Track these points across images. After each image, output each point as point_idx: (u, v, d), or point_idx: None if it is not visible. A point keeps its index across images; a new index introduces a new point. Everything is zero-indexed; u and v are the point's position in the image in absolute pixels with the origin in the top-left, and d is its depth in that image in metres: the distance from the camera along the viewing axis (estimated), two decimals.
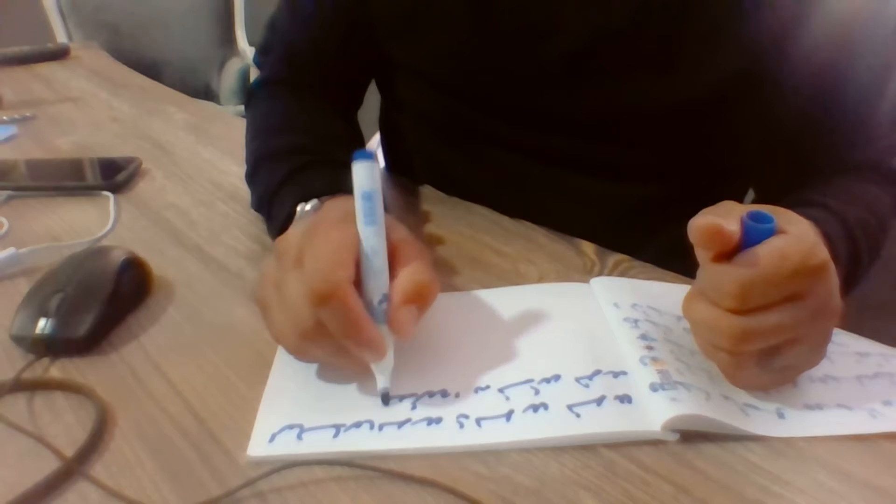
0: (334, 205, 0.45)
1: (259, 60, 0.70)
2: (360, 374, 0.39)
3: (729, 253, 0.35)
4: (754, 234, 0.35)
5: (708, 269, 0.35)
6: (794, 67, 0.52)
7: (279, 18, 0.68)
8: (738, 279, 0.34)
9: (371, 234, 0.39)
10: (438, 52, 0.61)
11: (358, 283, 0.38)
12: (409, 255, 0.40)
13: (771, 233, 0.35)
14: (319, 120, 0.64)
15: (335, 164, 0.51)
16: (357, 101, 0.72)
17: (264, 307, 0.40)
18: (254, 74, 0.74)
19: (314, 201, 0.48)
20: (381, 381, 0.38)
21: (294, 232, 0.41)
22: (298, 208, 0.49)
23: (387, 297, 0.39)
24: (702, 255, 0.36)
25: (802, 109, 0.55)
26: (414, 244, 0.42)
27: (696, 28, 0.52)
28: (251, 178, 0.60)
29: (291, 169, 0.53)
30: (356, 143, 0.65)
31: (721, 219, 0.34)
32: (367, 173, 0.39)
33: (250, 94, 0.69)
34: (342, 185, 0.46)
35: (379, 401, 0.38)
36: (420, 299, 0.39)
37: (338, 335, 0.36)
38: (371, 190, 0.39)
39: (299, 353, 0.39)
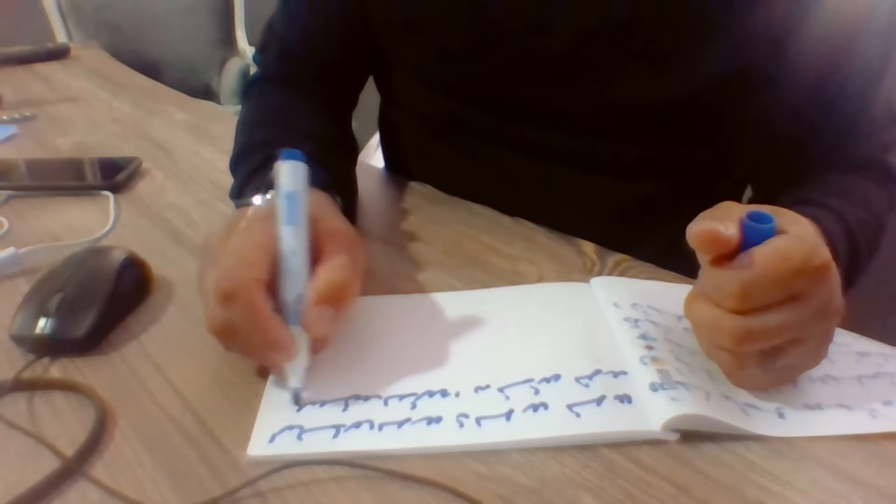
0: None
1: (257, 59, 0.70)
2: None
3: (729, 254, 0.35)
4: (754, 234, 0.35)
5: (709, 270, 0.35)
6: (790, 65, 0.52)
7: (276, 17, 0.68)
8: (740, 280, 0.34)
9: (290, 235, 0.39)
10: (435, 50, 0.61)
11: (275, 282, 0.38)
12: (332, 252, 0.40)
13: (771, 233, 0.35)
14: (305, 116, 0.63)
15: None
16: (353, 99, 0.72)
17: (201, 299, 0.41)
18: None
19: (272, 192, 0.48)
20: (293, 381, 0.38)
21: (222, 228, 0.41)
22: (255, 199, 0.48)
23: (303, 298, 0.38)
24: (702, 257, 0.36)
25: (799, 107, 0.55)
26: (342, 239, 0.41)
27: (689, 25, 0.52)
28: (232, 170, 0.60)
29: (260, 163, 0.53)
30: (340, 141, 0.64)
31: (719, 223, 0.34)
32: (291, 173, 0.39)
33: (246, 90, 0.70)
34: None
35: (380, 401, 0.38)
36: (335, 300, 0.38)
37: (244, 334, 0.36)
38: (293, 190, 0.39)
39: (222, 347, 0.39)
